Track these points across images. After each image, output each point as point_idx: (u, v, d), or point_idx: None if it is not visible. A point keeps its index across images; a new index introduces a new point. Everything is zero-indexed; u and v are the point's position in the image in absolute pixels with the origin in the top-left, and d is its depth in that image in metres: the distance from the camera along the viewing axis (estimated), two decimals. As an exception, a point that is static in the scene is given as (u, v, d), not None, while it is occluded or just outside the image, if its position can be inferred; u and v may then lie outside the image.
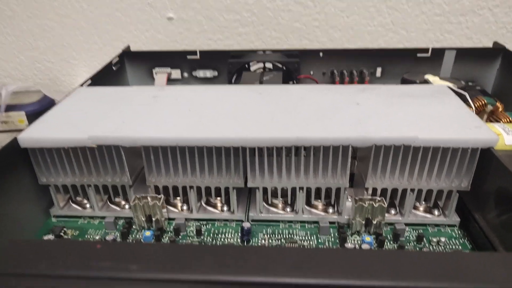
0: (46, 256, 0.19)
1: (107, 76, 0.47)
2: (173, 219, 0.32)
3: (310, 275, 0.17)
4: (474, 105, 0.43)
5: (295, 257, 0.18)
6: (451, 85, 0.41)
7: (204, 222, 0.33)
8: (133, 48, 0.54)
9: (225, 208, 0.33)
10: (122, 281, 0.18)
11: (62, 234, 0.32)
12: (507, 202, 0.27)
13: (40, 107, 0.51)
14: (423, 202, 0.32)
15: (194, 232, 0.32)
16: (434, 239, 0.30)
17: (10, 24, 0.65)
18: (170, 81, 0.53)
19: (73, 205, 0.34)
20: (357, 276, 0.17)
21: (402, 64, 0.50)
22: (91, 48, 0.66)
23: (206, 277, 0.17)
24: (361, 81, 0.50)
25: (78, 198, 0.34)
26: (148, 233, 0.31)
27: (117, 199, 0.34)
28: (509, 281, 0.17)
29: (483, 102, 0.43)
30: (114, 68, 0.49)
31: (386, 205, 0.30)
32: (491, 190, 0.29)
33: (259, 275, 0.17)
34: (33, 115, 0.51)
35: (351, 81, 0.50)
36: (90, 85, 0.42)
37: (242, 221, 0.32)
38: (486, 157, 0.29)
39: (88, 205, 0.34)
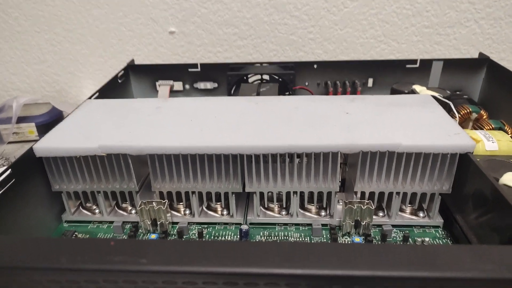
0: (66, 252, 0.21)
1: (113, 88, 0.50)
2: (177, 222, 0.35)
3: (299, 266, 0.20)
4: (460, 113, 0.45)
5: (286, 251, 0.21)
6: (436, 94, 0.44)
7: (205, 226, 0.35)
8: (137, 60, 0.57)
9: (225, 212, 0.35)
10: (133, 273, 0.20)
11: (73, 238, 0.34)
12: (483, 204, 0.29)
13: (49, 119, 0.54)
14: (409, 205, 0.34)
15: (196, 235, 0.34)
16: (419, 239, 0.33)
17: (19, 39, 0.68)
18: (173, 92, 0.55)
19: (83, 210, 0.36)
20: (341, 266, 0.20)
21: (393, 75, 0.53)
22: (97, 61, 0.69)
23: (208, 268, 0.20)
24: (354, 91, 0.53)
25: (88, 204, 0.36)
26: (153, 236, 0.33)
27: (124, 205, 0.36)
28: (474, 268, 0.19)
29: (468, 110, 0.46)
30: (119, 81, 0.52)
31: (373, 207, 0.32)
32: (470, 193, 0.31)
33: (253, 266, 0.20)
34: (43, 126, 0.53)
35: (344, 91, 0.53)
36: (97, 97, 0.44)
37: (240, 224, 0.35)
38: (464, 162, 0.31)
39: (97, 211, 0.36)
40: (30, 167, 0.33)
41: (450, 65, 0.52)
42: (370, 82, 0.53)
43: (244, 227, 0.33)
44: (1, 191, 0.29)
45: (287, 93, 0.51)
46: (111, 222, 0.35)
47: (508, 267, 0.19)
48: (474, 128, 0.45)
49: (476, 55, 0.54)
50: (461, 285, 0.20)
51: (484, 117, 0.46)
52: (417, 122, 0.34)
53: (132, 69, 0.56)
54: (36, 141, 0.33)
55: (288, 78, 0.51)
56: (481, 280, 0.19)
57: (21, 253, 0.21)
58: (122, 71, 0.53)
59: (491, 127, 0.43)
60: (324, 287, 0.20)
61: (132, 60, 0.57)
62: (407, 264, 0.20)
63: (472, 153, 0.31)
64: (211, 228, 0.35)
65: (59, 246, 0.22)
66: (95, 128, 0.35)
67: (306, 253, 0.21)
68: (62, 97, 0.72)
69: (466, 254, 0.20)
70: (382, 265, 0.20)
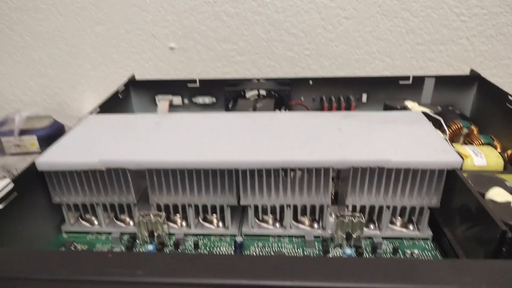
0: (66, 264, 0.22)
1: (114, 103, 0.51)
2: (173, 234, 0.36)
3: (289, 278, 0.21)
4: (451, 129, 0.47)
5: (276, 264, 0.22)
6: (428, 110, 0.45)
7: (201, 237, 0.36)
8: (138, 75, 0.58)
9: (220, 224, 0.36)
10: (130, 284, 0.21)
11: (72, 248, 0.35)
12: (469, 219, 0.30)
13: (50, 132, 0.55)
14: (399, 218, 0.35)
15: (192, 246, 0.35)
16: (408, 251, 0.34)
17: (23, 53, 0.70)
18: (172, 107, 0.57)
19: (83, 222, 0.37)
20: (328, 279, 0.21)
21: (386, 91, 0.54)
22: (98, 76, 0.71)
23: (201, 280, 0.21)
24: (348, 106, 0.54)
25: (87, 216, 0.37)
26: (150, 247, 0.34)
27: (122, 216, 0.37)
28: (453, 281, 0.20)
29: (459, 126, 0.47)
30: (120, 96, 0.53)
31: (364, 220, 0.33)
32: (457, 207, 0.32)
33: (246, 278, 0.21)
34: (44, 139, 0.55)
35: (339, 107, 0.54)
36: (99, 112, 0.46)
37: (235, 235, 0.36)
38: (452, 177, 0.32)
39: (96, 222, 0.37)
40: (31, 180, 0.34)
41: (442, 81, 0.54)
42: (364, 97, 0.55)
43: (239, 239, 0.34)
44: (4, 204, 0.30)
45: (283, 108, 0.53)
46: (109, 233, 0.36)
47: (486, 281, 0.20)
48: (464, 143, 0.47)
49: (468, 72, 0.55)
50: (442, 296, 0.21)
51: (475, 132, 0.47)
52: (407, 139, 0.35)
53: (132, 84, 0.57)
54: (37, 153, 0.35)
55: (284, 94, 0.52)
56: (460, 292, 0.20)
57: (23, 265, 0.22)
58: (123, 87, 0.55)
59: (480, 142, 0.44)
60: (311, 298, 0.21)
61: (133, 76, 0.58)
62: (391, 276, 0.21)
63: (460, 169, 0.32)
64: (206, 239, 0.36)
65: (60, 258, 0.23)
66: (95, 143, 0.36)
67: (296, 266, 0.22)
68: (64, 110, 0.73)
69: (446, 267, 0.21)
70: (367, 277, 0.21)
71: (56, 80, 0.72)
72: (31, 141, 0.54)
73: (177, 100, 0.57)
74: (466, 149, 0.40)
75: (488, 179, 0.34)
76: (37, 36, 0.68)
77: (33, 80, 0.72)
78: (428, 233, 0.35)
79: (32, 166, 0.34)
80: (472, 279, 0.20)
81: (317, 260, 0.22)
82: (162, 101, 0.56)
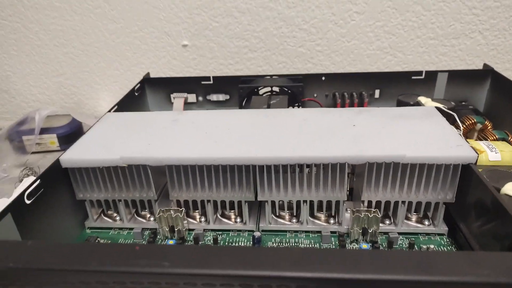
0: (96, 255, 0.23)
1: (130, 101, 0.52)
2: (193, 229, 0.37)
3: (308, 269, 0.22)
4: (465, 124, 0.47)
5: (297, 256, 0.22)
6: (441, 106, 0.45)
7: (220, 232, 0.37)
8: (152, 72, 0.59)
9: (238, 219, 0.37)
10: (157, 275, 0.22)
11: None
12: (484, 213, 0.30)
13: (69, 130, 0.57)
14: (414, 213, 0.36)
15: (211, 241, 0.36)
16: (424, 247, 0.34)
17: (39, 52, 0.71)
18: (187, 104, 0.58)
19: (105, 218, 0.39)
20: (346, 270, 0.21)
21: (399, 86, 0.54)
22: (113, 74, 0.72)
23: (225, 271, 0.22)
24: (361, 102, 0.54)
25: (110, 212, 0.39)
26: (171, 242, 0.35)
27: (143, 212, 0.38)
28: (471, 273, 0.21)
29: (473, 121, 0.47)
30: (136, 94, 0.54)
31: (380, 215, 0.34)
32: (472, 202, 0.32)
33: (267, 270, 0.22)
34: (63, 137, 0.56)
35: (352, 103, 0.55)
36: (116, 110, 0.47)
37: (253, 231, 0.37)
38: (467, 172, 0.33)
39: (118, 218, 0.38)
40: (56, 177, 0.35)
41: (455, 76, 0.54)
42: (377, 93, 0.55)
43: (257, 234, 0.34)
44: (32, 200, 0.32)
45: (297, 104, 0.53)
46: (131, 229, 0.38)
47: (503, 272, 0.21)
48: (478, 138, 0.47)
49: (481, 66, 0.55)
50: (460, 288, 0.21)
51: (489, 127, 0.47)
52: (421, 134, 0.35)
53: (148, 82, 0.58)
54: (57, 151, 0.36)
55: (297, 90, 0.53)
56: (477, 284, 0.21)
57: (55, 257, 0.23)
58: (139, 84, 0.56)
59: (495, 137, 0.44)
60: (331, 289, 0.22)
61: (148, 74, 0.59)
62: (407, 268, 0.22)
63: (474, 164, 0.33)
64: (225, 234, 0.37)
65: (90, 251, 0.24)
66: (116, 140, 0.37)
67: (314, 258, 0.22)
68: (80, 108, 0.75)
69: (464, 260, 0.22)
70: (384, 269, 0.22)
71: (72, 79, 0.73)
72: (51, 139, 0.56)
73: (191, 97, 0.57)
74: (481, 144, 0.40)
75: (503, 174, 0.35)
76: (53, 35, 0.70)
77: (50, 79, 0.73)
78: (444, 228, 0.35)
79: (57, 163, 0.35)
80: (490, 271, 0.21)
81: (335, 252, 0.23)
82: (178, 99, 0.57)
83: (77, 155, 0.35)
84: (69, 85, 0.73)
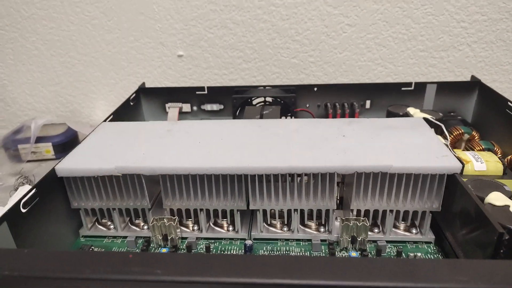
0: (90, 263, 0.24)
1: (125, 110, 0.53)
2: (186, 238, 0.37)
3: (297, 277, 0.22)
4: (452, 134, 0.48)
5: (285, 263, 0.23)
6: (429, 117, 0.47)
7: (212, 241, 0.38)
8: (147, 82, 0.60)
9: (231, 228, 0.38)
10: (150, 282, 0.23)
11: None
12: (469, 222, 0.31)
13: (65, 139, 0.57)
14: (402, 222, 0.37)
15: (204, 249, 0.36)
16: (412, 254, 0.35)
17: (36, 62, 0.72)
18: (181, 114, 0.59)
19: (99, 226, 0.39)
20: (333, 277, 0.22)
21: (389, 97, 0.56)
22: (109, 83, 0.73)
23: (216, 279, 0.23)
24: (352, 112, 0.56)
25: (104, 220, 0.39)
26: (164, 250, 0.36)
27: (137, 221, 0.39)
28: (451, 280, 0.22)
29: (460, 132, 0.48)
30: (131, 103, 0.55)
31: (368, 224, 0.35)
32: (457, 211, 0.33)
33: (257, 277, 0.22)
34: (59, 146, 0.57)
35: (343, 113, 0.56)
36: (111, 120, 0.48)
37: (245, 239, 0.37)
38: (452, 182, 0.34)
39: (112, 226, 0.39)
40: (52, 186, 0.35)
41: (444, 87, 0.55)
42: (368, 104, 0.56)
43: (249, 242, 0.35)
44: (27, 208, 0.32)
45: (289, 114, 0.54)
46: (125, 237, 0.38)
47: (482, 279, 0.22)
48: (466, 148, 0.48)
49: (469, 77, 0.56)
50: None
51: (476, 138, 0.48)
52: (408, 145, 0.37)
53: (143, 92, 0.59)
54: (52, 159, 0.36)
55: (290, 101, 0.54)
56: (458, 290, 0.22)
57: (50, 264, 0.24)
58: (134, 94, 0.57)
59: (481, 148, 0.45)
60: (318, 296, 0.23)
61: (143, 83, 0.60)
62: (391, 275, 0.22)
63: (459, 173, 0.34)
64: (217, 243, 0.37)
65: (84, 259, 0.24)
66: (111, 150, 0.38)
67: (302, 266, 0.23)
68: (76, 117, 0.76)
69: (445, 267, 0.23)
70: (369, 276, 0.22)
71: (68, 88, 0.74)
72: (47, 148, 0.56)
73: (186, 107, 0.58)
74: (467, 155, 0.42)
75: (488, 183, 0.36)
76: (50, 45, 0.71)
77: (46, 88, 0.74)
78: (431, 236, 0.36)
79: (52, 172, 0.35)
80: (469, 278, 0.22)
81: (323, 260, 0.24)
82: (172, 109, 0.58)
83: (72, 164, 0.36)
84: (65, 94, 0.74)
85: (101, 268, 0.24)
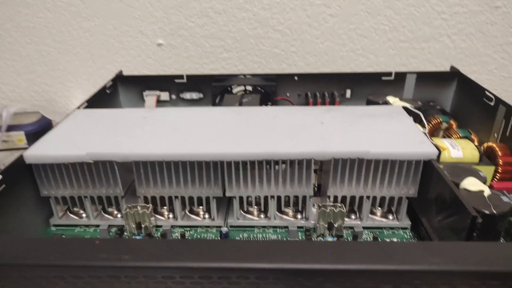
0: (54, 250, 0.23)
1: (101, 98, 0.52)
2: (160, 226, 0.37)
3: (266, 261, 0.22)
4: (431, 123, 0.48)
5: (255, 247, 0.23)
6: (408, 105, 0.47)
7: (188, 229, 0.37)
8: (125, 71, 0.59)
9: (206, 215, 0.37)
10: (117, 268, 0.22)
11: (61, 240, 0.36)
12: (444, 207, 0.31)
13: (38, 127, 0.56)
14: (379, 208, 0.37)
15: (179, 237, 0.36)
16: (388, 240, 0.35)
17: (10, 49, 0.70)
18: (159, 102, 0.57)
19: (71, 215, 0.38)
20: (305, 261, 0.22)
21: (369, 87, 0.56)
22: (86, 72, 0.71)
23: (184, 264, 0.22)
24: (332, 102, 0.55)
25: (75, 209, 0.38)
26: (138, 239, 0.35)
27: (110, 209, 0.38)
28: (424, 262, 0.22)
29: (438, 120, 0.48)
30: (108, 91, 0.54)
31: (345, 210, 0.34)
32: (433, 196, 0.33)
33: (225, 262, 0.22)
34: (32, 135, 0.55)
35: (323, 102, 0.55)
36: (86, 107, 0.46)
37: (221, 227, 0.37)
38: (428, 168, 0.34)
39: (84, 215, 0.38)
40: (20, 173, 0.34)
41: (423, 77, 0.55)
42: (348, 93, 0.56)
43: (224, 229, 0.35)
44: (-8, 196, 0.31)
45: (269, 103, 0.54)
46: (97, 226, 0.37)
47: (454, 260, 0.22)
48: (444, 137, 0.48)
49: (447, 69, 0.57)
50: (414, 276, 0.22)
51: (454, 126, 0.49)
52: (386, 132, 0.36)
53: (120, 79, 0.58)
54: (25, 148, 0.35)
55: (270, 90, 0.53)
56: (430, 272, 0.22)
57: (12, 251, 0.23)
58: (111, 82, 0.55)
59: (458, 136, 0.46)
60: (290, 279, 0.22)
61: (121, 71, 0.59)
62: (366, 258, 0.22)
63: (436, 160, 0.34)
64: (193, 231, 0.37)
65: (48, 245, 0.23)
66: (83, 137, 0.37)
67: (273, 250, 0.23)
68: (51, 106, 0.73)
69: (419, 249, 0.23)
70: (343, 259, 0.22)
71: (44, 77, 0.72)
72: (19, 137, 0.54)
73: (164, 95, 0.57)
74: (444, 142, 0.42)
75: (463, 170, 0.36)
76: (25, 32, 0.68)
77: (21, 76, 0.72)
78: (407, 222, 0.36)
79: (20, 159, 0.34)
80: (442, 259, 0.22)
81: (298, 244, 0.23)
82: (150, 97, 0.56)
83: (41, 151, 0.35)
84: (40, 83, 0.72)
85: (67, 254, 0.23)
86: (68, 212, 0.38)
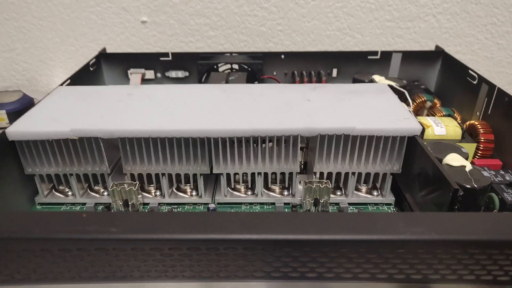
0: (41, 223, 0.23)
1: (84, 76, 0.51)
2: (147, 203, 0.37)
3: (254, 232, 0.22)
4: (415, 102, 0.49)
5: (242, 219, 0.23)
6: (393, 84, 0.47)
7: (175, 206, 0.37)
8: (109, 49, 0.57)
9: (194, 193, 0.37)
10: (104, 241, 0.22)
11: (46, 218, 0.35)
12: (427, 182, 0.32)
13: (20, 106, 0.54)
14: (364, 184, 0.37)
15: (166, 214, 0.36)
16: (372, 214, 0.36)
17: (-13, 26, 0.67)
18: (144, 81, 0.57)
19: (56, 193, 0.38)
20: (290, 231, 0.22)
21: (355, 66, 0.56)
22: (68, 50, 0.69)
23: (173, 236, 0.22)
24: (319, 80, 0.55)
25: (61, 187, 0.38)
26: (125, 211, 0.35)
27: (96, 187, 0.38)
28: (407, 231, 0.22)
29: (423, 99, 0.49)
30: (91, 68, 0.53)
31: (331, 186, 0.35)
32: (416, 172, 0.34)
33: (213, 233, 0.22)
34: (14, 113, 0.54)
35: (310, 81, 0.55)
36: (69, 85, 0.45)
37: (208, 204, 0.37)
38: (412, 144, 0.34)
39: (70, 193, 0.37)
40: (2, 151, 0.33)
41: (409, 56, 0.56)
42: (335, 72, 0.56)
43: (212, 205, 0.35)
44: (-26, 173, 0.30)
45: (255, 82, 0.53)
46: (84, 204, 0.37)
47: (435, 230, 0.23)
48: (428, 115, 0.49)
49: (432, 48, 0.57)
50: (397, 246, 0.23)
51: (438, 105, 0.49)
52: (372, 108, 0.37)
53: (104, 57, 0.56)
54: (7, 128, 0.34)
55: (257, 68, 0.53)
56: (412, 241, 0.22)
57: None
58: (94, 59, 0.54)
59: (442, 114, 0.46)
60: (276, 250, 0.23)
61: (104, 49, 0.57)
62: (349, 228, 0.23)
63: (419, 136, 0.34)
64: (180, 208, 0.37)
65: (34, 219, 0.23)
66: (67, 113, 0.36)
67: (260, 221, 0.23)
68: (33, 85, 0.72)
69: (401, 220, 0.23)
70: (329, 230, 0.23)
71: (24, 55, 0.69)
72: (0, 116, 0.53)
73: (149, 74, 0.56)
74: (428, 120, 0.42)
75: (446, 146, 0.37)
76: (2, 8, 0.66)
77: (0, 55, 0.69)
78: (391, 198, 0.37)
79: (3, 135, 0.33)
80: (424, 229, 0.22)
81: (283, 216, 0.24)
82: (135, 75, 0.55)
83: (24, 127, 0.34)
84: (20, 61, 0.70)
85: (53, 227, 0.23)
86: (53, 190, 0.38)
